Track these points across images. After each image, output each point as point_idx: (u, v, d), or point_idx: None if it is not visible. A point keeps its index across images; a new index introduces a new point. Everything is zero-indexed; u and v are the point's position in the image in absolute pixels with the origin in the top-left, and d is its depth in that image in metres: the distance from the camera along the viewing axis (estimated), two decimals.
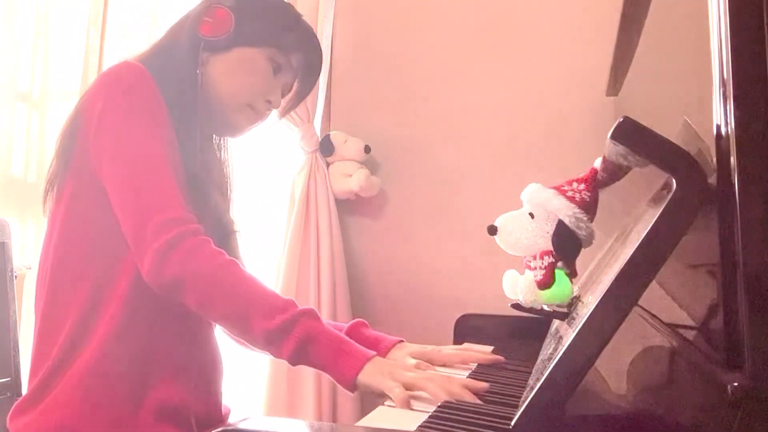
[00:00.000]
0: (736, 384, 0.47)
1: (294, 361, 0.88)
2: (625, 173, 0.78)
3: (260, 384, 1.80)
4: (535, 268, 0.82)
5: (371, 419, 0.73)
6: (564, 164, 1.63)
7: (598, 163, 0.81)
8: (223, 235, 1.07)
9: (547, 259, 0.82)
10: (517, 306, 0.87)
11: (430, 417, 0.71)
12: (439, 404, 0.76)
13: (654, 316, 0.74)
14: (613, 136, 0.59)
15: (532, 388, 0.61)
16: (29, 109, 2.18)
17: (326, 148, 1.85)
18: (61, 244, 1.00)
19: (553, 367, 0.57)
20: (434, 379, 0.82)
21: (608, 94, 1.50)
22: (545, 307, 0.85)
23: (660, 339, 0.67)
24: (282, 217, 1.89)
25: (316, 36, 1.16)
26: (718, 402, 0.48)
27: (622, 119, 0.59)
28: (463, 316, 1.38)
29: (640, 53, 1.18)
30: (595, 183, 0.81)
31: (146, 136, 0.96)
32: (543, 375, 0.58)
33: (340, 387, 0.88)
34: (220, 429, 0.60)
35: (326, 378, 0.89)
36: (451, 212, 1.81)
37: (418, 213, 1.85)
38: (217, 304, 0.91)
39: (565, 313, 0.85)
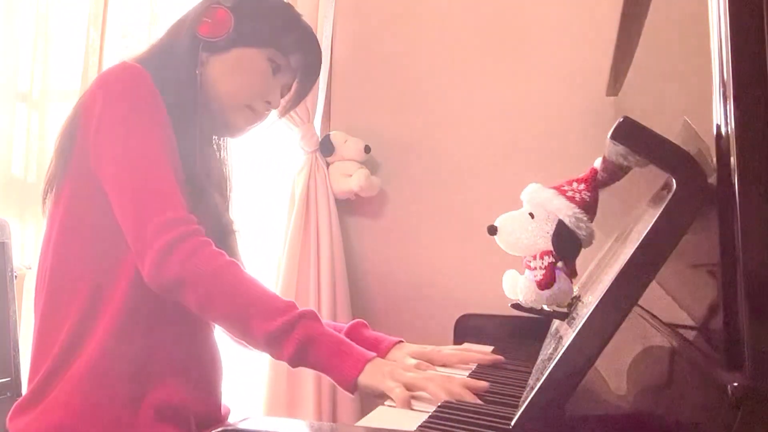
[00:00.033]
0: (736, 384, 0.47)
1: (294, 362, 0.88)
2: (625, 173, 0.78)
3: (260, 384, 1.80)
4: (535, 268, 0.82)
5: (371, 419, 0.73)
6: (564, 164, 1.63)
7: (598, 163, 0.81)
8: (223, 235, 1.07)
9: (547, 259, 0.82)
10: (517, 306, 0.87)
11: (430, 417, 0.71)
12: (439, 404, 0.76)
13: (654, 316, 0.74)
14: (613, 136, 0.59)
15: (532, 388, 0.61)
16: (29, 109, 2.18)
17: (326, 148, 1.85)
18: (60, 245, 1.00)
19: (553, 367, 0.57)
20: (434, 379, 0.82)
21: (608, 94, 1.50)
22: (545, 307, 0.85)
23: (660, 339, 0.67)
24: (282, 217, 1.89)
25: (315, 36, 1.16)
26: (718, 402, 0.48)
27: (622, 119, 0.59)
28: (463, 316, 1.38)
29: (640, 53, 1.18)
30: (595, 183, 0.81)
31: (145, 137, 0.96)
32: (543, 375, 0.58)
33: (340, 388, 0.88)
34: (220, 429, 0.60)
35: (326, 378, 0.89)
36: (451, 212, 1.81)
37: (418, 213, 1.85)
38: (218, 305, 0.91)
39: (565, 313, 0.85)
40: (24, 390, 1.04)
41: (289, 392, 1.76)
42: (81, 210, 0.99)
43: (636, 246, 0.55)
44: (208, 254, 0.92)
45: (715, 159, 0.55)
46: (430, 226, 1.84)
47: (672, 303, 0.69)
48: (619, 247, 0.75)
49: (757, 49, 0.52)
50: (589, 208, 0.81)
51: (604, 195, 0.83)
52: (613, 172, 0.79)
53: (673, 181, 0.54)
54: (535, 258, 0.83)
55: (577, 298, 0.86)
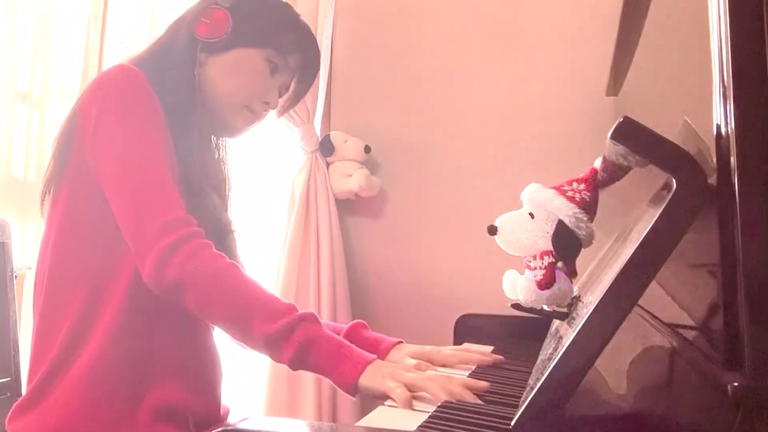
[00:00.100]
0: (736, 384, 0.47)
1: (294, 365, 0.88)
2: (625, 173, 0.78)
3: (260, 384, 1.80)
4: (535, 268, 0.82)
5: (371, 419, 0.73)
6: (564, 164, 1.63)
7: (598, 163, 0.81)
8: (221, 235, 1.07)
9: (547, 259, 0.81)
10: (517, 306, 0.87)
11: (430, 417, 0.71)
12: (439, 404, 0.76)
13: (654, 316, 0.74)
14: (613, 136, 0.59)
15: (532, 388, 0.61)
16: (29, 109, 2.18)
17: (326, 148, 1.85)
18: (58, 246, 1.00)
19: (553, 367, 0.57)
20: (434, 379, 0.82)
21: (608, 94, 1.50)
22: (545, 307, 0.85)
23: (660, 339, 0.67)
24: (282, 217, 1.89)
25: (313, 36, 1.16)
26: (718, 402, 0.48)
27: (622, 119, 0.59)
28: (463, 316, 1.38)
29: (640, 53, 1.18)
30: (595, 183, 0.81)
31: (143, 139, 0.96)
32: (543, 375, 0.58)
33: (341, 390, 0.88)
34: (219, 429, 0.60)
35: (326, 379, 0.89)
36: (451, 212, 1.81)
37: (418, 213, 1.85)
38: (218, 307, 0.91)
39: (565, 313, 0.85)
40: (24, 390, 1.04)
41: (289, 392, 1.76)
42: (79, 211, 0.99)
43: (636, 246, 0.55)
44: (208, 256, 0.92)
45: (715, 159, 0.55)
46: (430, 226, 1.84)
47: (672, 303, 0.69)
48: (619, 247, 0.75)
49: (757, 49, 0.52)
50: (589, 208, 0.81)
51: (604, 195, 0.83)
52: (613, 172, 0.79)
53: (673, 181, 0.54)
54: (535, 258, 0.83)
55: (577, 298, 0.86)
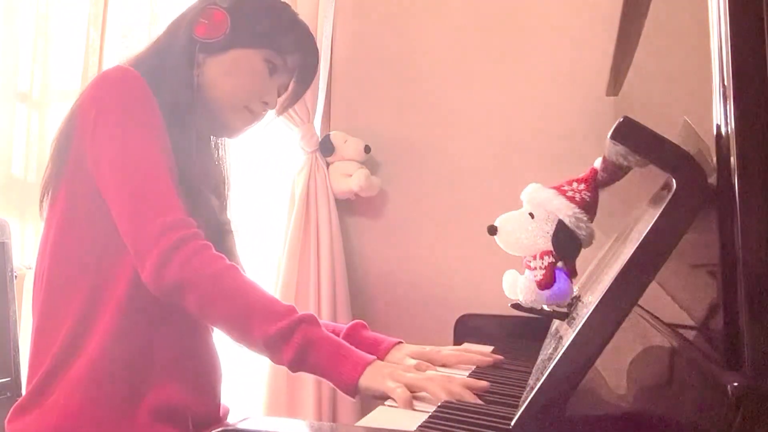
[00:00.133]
0: (736, 384, 0.46)
1: (294, 367, 0.88)
2: (625, 173, 0.78)
3: (260, 384, 1.80)
4: (535, 268, 0.82)
5: (371, 419, 0.73)
6: (564, 164, 1.63)
7: (598, 163, 0.81)
8: (220, 235, 1.07)
9: (547, 259, 0.81)
10: (517, 306, 0.87)
11: (430, 417, 0.71)
12: (439, 404, 0.76)
13: (654, 316, 0.74)
14: (613, 136, 0.59)
15: (532, 388, 0.61)
16: (29, 109, 2.18)
17: (326, 148, 1.85)
18: (57, 246, 1.00)
19: (553, 367, 0.57)
20: (434, 379, 0.82)
21: (608, 94, 1.50)
22: (545, 307, 0.85)
23: (660, 339, 0.67)
24: (282, 217, 1.89)
25: (312, 36, 1.15)
26: (718, 402, 0.48)
27: (622, 119, 0.59)
28: (463, 316, 1.38)
29: (640, 53, 1.18)
30: (595, 183, 0.81)
31: (141, 141, 0.96)
32: (543, 375, 0.58)
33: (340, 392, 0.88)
34: (219, 429, 0.60)
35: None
36: (451, 212, 1.81)
37: (418, 213, 1.85)
38: (217, 309, 0.91)
39: (565, 313, 0.85)
40: (23, 390, 1.04)
41: (289, 392, 1.76)
42: (78, 211, 0.99)
43: (636, 246, 0.55)
44: (207, 257, 0.92)
45: (715, 159, 0.55)
46: (430, 226, 1.84)
47: (672, 303, 0.69)
48: (619, 247, 0.75)
49: (757, 49, 0.52)
50: (589, 208, 0.81)
51: (604, 195, 0.83)
52: (613, 172, 0.79)
53: (673, 181, 0.54)
54: (535, 258, 0.83)
55: (577, 298, 0.86)
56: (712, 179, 0.55)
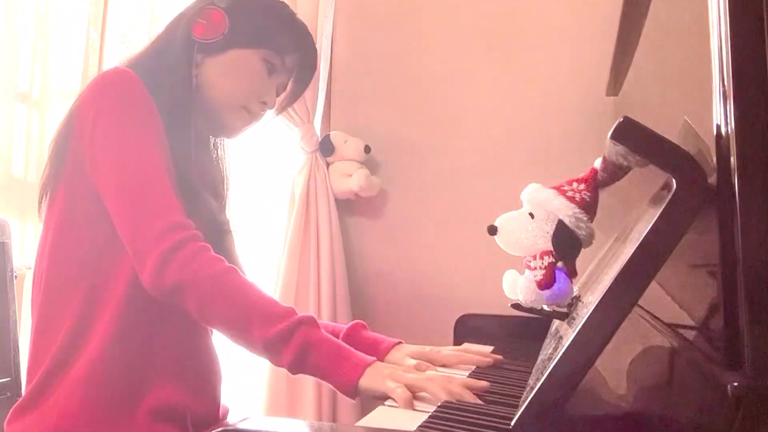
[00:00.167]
0: (736, 384, 0.47)
1: (294, 369, 0.88)
2: (625, 173, 0.78)
3: (260, 384, 1.80)
4: (535, 268, 0.82)
5: (371, 419, 0.73)
6: (564, 164, 1.63)
7: (598, 163, 0.81)
8: (218, 235, 1.07)
9: (547, 259, 0.81)
10: (517, 306, 0.87)
11: (430, 417, 0.71)
12: (439, 404, 0.76)
13: (654, 316, 0.74)
14: (613, 136, 0.59)
15: (532, 388, 0.61)
16: (29, 109, 2.18)
17: (326, 148, 1.85)
18: (55, 247, 1.00)
19: (553, 367, 0.57)
20: (434, 380, 0.82)
21: (608, 94, 1.50)
22: (545, 307, 0.85)
23: (660, 339, 0.67)
24: (282, 217, 1.89)
25: (310, 35, 1.15)
26: (718, 402, 0.48)
27: (622, 119, 0.59)
28: (463, 316, 1.38)
29: (640, 53, 1.18)
30: (595, 183, 0.81)
31: (139, 143, 0.96)
32: (543, 375, 0.58)
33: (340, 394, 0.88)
34: (219, 429, 0.60)
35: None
36: (451, 212, 1.81)
37: (418, 213, 1.85)
38: (217, 311, 0.90)
39: (565, 313, 0.85)
40: (23, 390, 1.04)
41: (289, 392, 1.76)
42: (76, 212, 0.99)
43: (636, 246, 0.55)
44: (207, 259, 0.92)
45: (715, 159, 0.55)
46: (430, 226, 1.84)
47: (672, 303, 0.69)
48: (619, 247, 0.75)
49: (757, 49, 0.52)
50: (589, 208, 0.81)
51: (604, 195, 0.83)
52: (613, 172, 0.79)
53: (673, 181, 0.54)
54: (535, 258, 0.83)
55: (577, 298, 0.86)
56: (712, 179, 0.55)
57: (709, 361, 0.54)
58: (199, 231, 0.94)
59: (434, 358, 1.03)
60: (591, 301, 0.61)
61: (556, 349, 0.67)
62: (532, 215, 0.84)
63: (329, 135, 1.86)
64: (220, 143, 1.20)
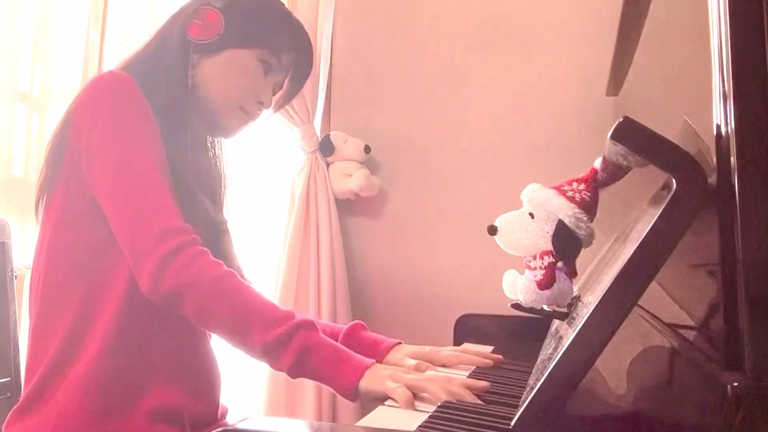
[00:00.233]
0: (736, 384, 0.47)
1: (293, 373, 0.87)
2: (625, 173, 0.78)
3: (260, 384, 1.80)
4: (535, 268, 0.82)
5: (371, 419, 0.73)
6: (564, 164, 1.63)
7: (598, 163, 0.81)
8: (216, 236, 1.07)
9: (547, 259, 0.81)
10: (517, 306, 0.87)
11: (430, 417, 0.71)
12: (439, 404, 0.76)
13: (654, 316, 0.74)
14: (613, 136, 0.59)
15: (532, 388, 0.61)
16: (29, 109, 2.18)
17: (326, 148, 1.85)
18: (53, 250, 0.99)
19: (554, 366, 0.57)
20: (434, 380, 0.82)
21: (608, 94, 1.50)
22: (545, 307, 0.85)
23: (660, 339, 0.67)
24: (282, 217, 1.89)
25: (306, 33, 1.15)
26: (718, 402, 0.48)
27: (622, 119, 0.59)
28: (463, 316, 1.38)
29: (640, 53, 1.18)
30: (595, 183, 0.81)
31: (134, 147, 0.96)
32: (543, 375, 0.58)
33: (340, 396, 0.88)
34: (219, 429, 0.60)
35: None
36: (451, 212, 1.81)
37: (418, 213, 1.85)
38: (216, 315, 0.90)
39: (565, 313, 0.85)
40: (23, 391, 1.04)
41: (289, 392, 1.76)
42: (74, 215, 0.99)
43: (636, 246, 0.55)
44: (205, 264, 0.91)
45: (715, 159, 0.55)
46: (430, 226, 1.84)
47: (672, 303, 0.69)
48: (619, 247, 0.75)
49: (757, 49, 0.52)
50: (589, 208, 0.81)
51: (604, 195, 0.83)
52: (613, 172, 0.79)
53: (673, 181, 0.54)
54: (535, 258, 0.83)
55: (577, 298, 0.86)
56: (712, 179, 0.55)
57: (709, 361, 0.54)
58: (196, 233, 0.94)
59: (434, 358, 1.03)
60: (591, 301, 0.61)
61: (556, 349, 0.67)
62: (532, 215, 0.84)
63: (329, 135, 1.86)
64: (217, 142, 1.20)
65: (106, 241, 0.96)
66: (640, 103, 1.15)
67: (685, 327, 0.65)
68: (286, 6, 1.34)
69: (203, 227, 0.99)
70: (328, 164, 1.87)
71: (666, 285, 0.68)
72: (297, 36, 1.13)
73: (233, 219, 1.18)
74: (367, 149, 1.82)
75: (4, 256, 1.41)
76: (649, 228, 0.54)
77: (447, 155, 1.82)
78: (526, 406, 0.58)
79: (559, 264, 0.82)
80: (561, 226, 0.81)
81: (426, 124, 1.85)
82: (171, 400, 0.98)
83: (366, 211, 1.90)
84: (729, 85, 0.52)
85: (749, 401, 0.46)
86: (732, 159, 0.52)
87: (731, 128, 0.52)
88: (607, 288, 0.56)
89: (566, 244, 0.81)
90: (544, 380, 0.57)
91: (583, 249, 0.82)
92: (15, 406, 0.99)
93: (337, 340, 1.02)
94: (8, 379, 1.37)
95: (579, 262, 0.84)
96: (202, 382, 1.06)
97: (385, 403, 0.80)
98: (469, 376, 0.94)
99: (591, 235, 0.81)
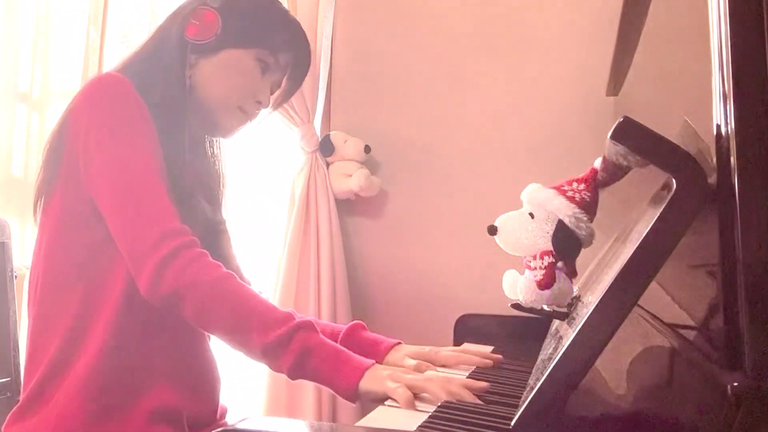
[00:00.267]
0: (736, 384, 0.47)
1: (293, 374, 0.87)
2: (625, 173, 0.78)
3: (260, 384, 1.80)
4: (535, 268, 0.82)
5: (371, 419, 0.73)
6: (564, 164, 1.63)
7: (598, 163, 0.81)
8: (214, 236, 1.07)
9: (547, 259, 0.81)
10: (517, 306, 0.87)
11: (430, 417, 0.71)
12: (439, 404, 0.76)
13: (654, 316, 0.74)
14: (613, 136, 0.59)
15: (532, 388, 0.61)
16: (29, 109, 2.18)
17: (326, 148, 1.85)
18: (51, 251, 0.99)
19: (554, 366, 0.57)
20: (434, 380, 0.82)
21: (608, 94, 1.50)
22: (545, 307, 0.85)
23: (660, 339, 0.67)
24: (282, 217, 1.89)
25: (303, 32, 1.15)
26: (718, 402, 0.48)
27: (622, 119, 0.59)
28: (463, 316, 1.38)
29: (640, 53, 1.18)
30: (595, 183, 0.81)
31: (132, 148, 0.96)
32: (543, 375, 0.58)
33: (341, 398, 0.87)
34: (219, 429, 0.60)
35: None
36: (451, 212, 1.81)
37: (418, 213, 1.85)
38: (215, 317, 0.90)
39: (565, 313, 0.85)
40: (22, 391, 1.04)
41: (289, 392, 1.76)
42: (72, 216, 0.99)
43: (636, 246, 0.55)
44: (204, 265, 0.91)
45: (715, 159, 0.55)
46: (430, 226, 1.84)
47: (672, 303, 0.69)
48: (619, 247, 0.75)
49: (757, 49, 0.52)
50: (589, 208, 0.81)
51: (604, 195, 0.83)
52: (613, 172, 0.79)
53: (673, 181, 0.54)
54: (535, 258, 0.83)
55: (577, 298, 0.86)
56: (712, 179, 0.55)
57: (709, 361, 0.54)
58: (194, 234, 0.94)
59: (434, 358, 1.03)
60: (591, 301, 0.61)
61: (556, 349, 0.67)
62: (532, 215, 0.84)
63: (329, 135, 1.86)
64: (216, 142, 1.20)
65: (104, 242, 0.96)
66: (640, 103, 1.15)
67: (685, 327, 0.65)
68: (286, 6, 1.34)
69: (201, 227, 0.99)
70: (328, 164, 1.87)
71: (666, 285, 0.68)
72: (294, 35, 1.12)
73: (233, 219, 1.18)
74: (367, 149, 1.82)
75: (4, 256, 1.41)
76: (649, 228, 0.55)
77: (447, 155, 1.82)
78: (526, 406, 0.58)
79: (559, 264, 0.82)
80: (561, 226, 0.81)
81: (426, 124, 1.85)
82: (170, 400, 0.98)
83: (366, 211, 1.90)
84: (729, 85, 0.52)
85: (749, 401, 0.46)
86: (732, 159, 0.52)
87: (731, 128, 0.52)
88: (607, 288, 0.56)
89: (566, 244, 0.81)
90: (544, 380, 0.57)
91: (583, 249, 0.82)
92: (15, 407, 0.99)
93: (336, 341, 1.02)
94: (8, 379, 1.37)
95: (579, 262, 0.84)
96: (202, 382, 1.06)
97: (385, 403, 0.80)
98: (469, 376, 0.94)
99: (591, 235, 0.81)
